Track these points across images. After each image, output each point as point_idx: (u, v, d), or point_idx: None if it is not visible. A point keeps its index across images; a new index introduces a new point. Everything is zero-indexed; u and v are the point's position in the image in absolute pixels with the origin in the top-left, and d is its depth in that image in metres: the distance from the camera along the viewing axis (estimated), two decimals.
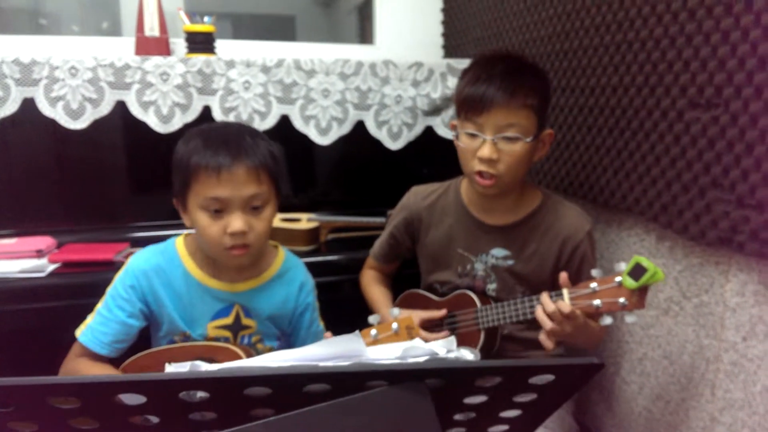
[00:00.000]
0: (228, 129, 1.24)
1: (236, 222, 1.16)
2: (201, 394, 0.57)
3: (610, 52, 1.43)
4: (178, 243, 1.31)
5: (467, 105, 1.27)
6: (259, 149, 1.20)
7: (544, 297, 1.17)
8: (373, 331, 1.16)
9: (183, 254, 1.29)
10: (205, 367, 0.58)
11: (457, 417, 0.68)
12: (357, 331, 0.62)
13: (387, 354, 0.60)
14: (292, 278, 1.35)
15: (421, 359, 0.59)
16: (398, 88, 1.98)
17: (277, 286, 1.33)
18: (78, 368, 1.26)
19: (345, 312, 1.40)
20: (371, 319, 1.19)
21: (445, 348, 0.61)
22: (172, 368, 0.60)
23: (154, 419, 0.60)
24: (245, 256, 1.21)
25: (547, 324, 1.14)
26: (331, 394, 0.57)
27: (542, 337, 1.16)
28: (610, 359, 1.53)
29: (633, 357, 1.44)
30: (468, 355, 0.61)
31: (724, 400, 1.18)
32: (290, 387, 0.55)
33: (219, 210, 1.16)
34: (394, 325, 1.15)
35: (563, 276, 1.17)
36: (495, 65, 1.28)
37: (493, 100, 1.23)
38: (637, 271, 1.07)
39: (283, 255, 1.37)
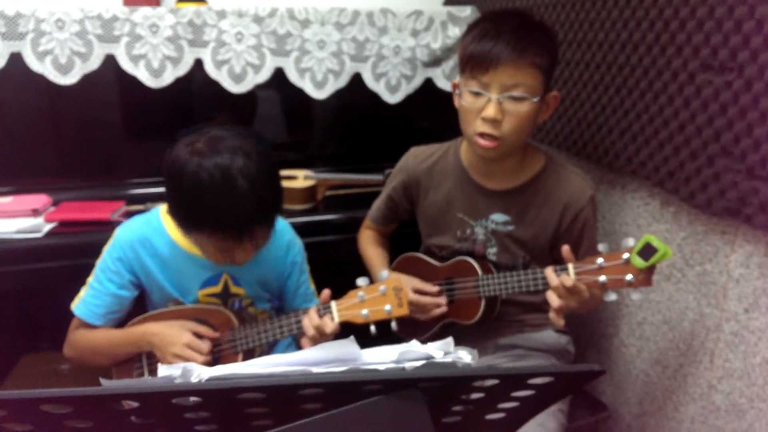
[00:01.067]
0: (238, 169, 1.08)
1: (244, 256, 1.17)
2: (195, 398, 0.56)
3: (620, 5, 1.36)
4: (163, 212, 1.29)
5: (473, 62, 1.21)
6: (270, 201, 1.14)
7: (549, 271, 1.15)
8: (360, 293, 1.15)
9: (168, 224, 1.28)
10: (197, 371, 0.57)
11: (455, 409, 0.68)
12: (351, 336, 0.60)
13: (382, 357, 0.58)
14: (279, 240, 1.34)
15: (417, 363, 0.57)
16: (397, 38, 1.91)
17: (265, 251, 1.30)
18: (79, 339, 1.27)
19: (343, 272, 1.40)
20: (359, 281, 1.18)
21: (442, 350, 0.60)
22: (164, 370, 0.59)
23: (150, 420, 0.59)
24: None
25: (555, 302, 1.13)
26: (326, 397, 0.56)
27: (552, 316, 1.15)
28: (609, 321, 1.53)
29: (632, 320, 1.44)
30: (466, 356, 0.60)
31: (723, 369, 1.18)
32: (284, 393, 0.53)
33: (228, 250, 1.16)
34: (382, 287, 1.14)
35: (566, 249, 1.15)
36: (504, 22, 1.22)
37: (500, 58, 1.17)
38: (646, 251, 1.05)
39: None
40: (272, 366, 0.56)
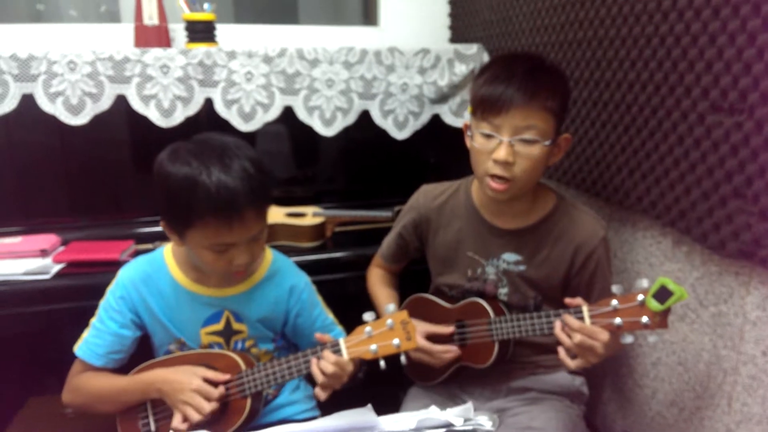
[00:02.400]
0: (224, 153, 1.13)
1: (243, 257, 1.17)
2: None
3: (627, 45, 1.36)
4: (166, 252, 1.31)
5: (484, 104, 1.22)
6: (259, 178, 1.14)
7: (558, 331, 1.15)
8: (368, 328, 1.14)
9: (170, 263, 1.29)
10: None
11: None
12: (369, 405, 0.59)
13: (400, 425, 0.57)
14: (281, 281, 1.34)
15: (437, 431, 0.56)
16: (404, 75, 1.93)
17: (266, 289, 1.32)
18: (81, 385, 1.27)
19: (353, 309, 1.39)
20: (366, 316, 1.16)
21: (461, 417, 0.58)
22: None
23: None
24: (244, 277, 1.26)
25: (570, 363, 1.15)
26: None
27: (566, 361, 1.16)
28: (622, 360, 1.51)
29: (647, 361, 1.42)
30: (486, 422, 0.59)
31: (741, 413, 1.16)
32: None
33: (225, 250, 1.16)
34: (389, 321, 1.13)
35: (567, 300, 1.17)
36: (515, 65, 1.23)
37: (512, 101, 1.18)
38: (662, 294, 1.04)
39: (270, 257, 1.36)
40: None
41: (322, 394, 1.16)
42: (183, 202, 1.12)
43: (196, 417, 1.15)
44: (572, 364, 1.14)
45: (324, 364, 1.14)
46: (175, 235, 1.19)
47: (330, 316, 1.40)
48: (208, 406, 1.16)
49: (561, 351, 1.16)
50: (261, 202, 1.16)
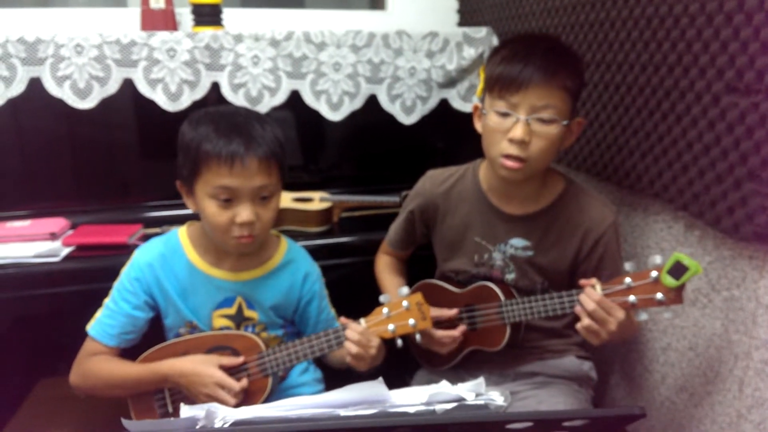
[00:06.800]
0: (237, 115, 1.22)
1: (245, 212, 1.17)
2: None
3: (640, 26, 1.34)
4: (181, 233, 1.32)
5: (502, 82, 1.20)
6: (269, 138, 1.19)
7: (584, 298, 1.14)
8: (385, 310, 1.19)
9: (186, 244, 1.30)
10: (222, 413, 0.55)
11: None
12: (380, 378, 0.58)
13: (412, 399, 0.57)
14: (296, 268, 1.34)
15: (448, 406, 0.56)
16: (412, 59, 1.90)
17: (281, 277, 1.32)
18: (92, 369, 1.26)
19: (359, 294, 1.38)
20: (382, 298, 1.21)
21: (473, 392, 0.58)
22: (187, 411, 0.57)
23: None
24: (251, 245, 1.23)
25: (585, 320, 1.13)
26: None
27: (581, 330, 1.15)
28: (631, 345, 1.50)
29: (656, 346, 1.41)
30: (498, 398, 0.58)
31: (753, 398, 1.15)
32: None
33: (228, 199, 1.16)
34: (405, 303, 1.18)
35: (582, 282, 1.16)
36: (534, 44, 1.22)
37: (531, 79, 1.17)
38: (677, 270, 1.03)
39: (285, 245, 1.36)
40: (299, 408, 0.55)
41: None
42: (192, 152, 1.16)
43: None
44: (582, 329, 1.14)
45: (350, 333, 1.18)
46: (186, 191, 1.22)
47: (333, 312, 1.41)
48: (233, 400, 1.17)
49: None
50: (266, 155, 1.17)
